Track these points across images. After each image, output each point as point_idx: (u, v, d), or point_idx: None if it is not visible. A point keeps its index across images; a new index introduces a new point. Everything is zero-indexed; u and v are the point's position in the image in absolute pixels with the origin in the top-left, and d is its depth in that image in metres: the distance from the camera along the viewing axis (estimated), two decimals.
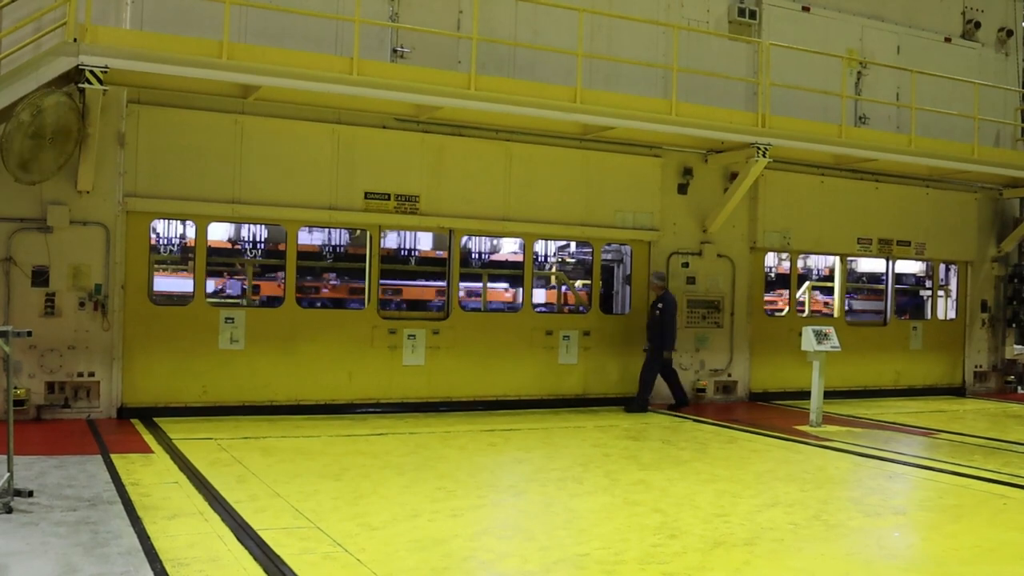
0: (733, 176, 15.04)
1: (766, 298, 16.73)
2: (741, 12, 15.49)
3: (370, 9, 12.41)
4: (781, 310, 17.06)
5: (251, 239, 14.42)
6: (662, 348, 14.10)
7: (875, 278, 18.38)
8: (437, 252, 15.28)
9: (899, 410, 15.46)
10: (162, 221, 13.18)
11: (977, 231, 18.20)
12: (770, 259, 17.05)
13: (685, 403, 14.53)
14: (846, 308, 17.22)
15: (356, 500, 7.87)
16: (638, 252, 14.95)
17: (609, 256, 15.24)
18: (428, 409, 13.28)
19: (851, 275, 17.96)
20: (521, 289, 14.71)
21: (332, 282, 15.53)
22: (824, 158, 15.83)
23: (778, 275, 17.90)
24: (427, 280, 15.77)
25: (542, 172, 14.06)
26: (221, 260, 14.46)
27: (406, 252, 15.45)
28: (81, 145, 10.84)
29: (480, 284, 15.41)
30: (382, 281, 13.60)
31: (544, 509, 7.85)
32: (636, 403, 14.09)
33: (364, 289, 13.30)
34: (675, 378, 14.53)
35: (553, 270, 16.10)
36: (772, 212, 15.90)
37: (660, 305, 14.19)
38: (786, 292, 17.42)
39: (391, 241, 15.05)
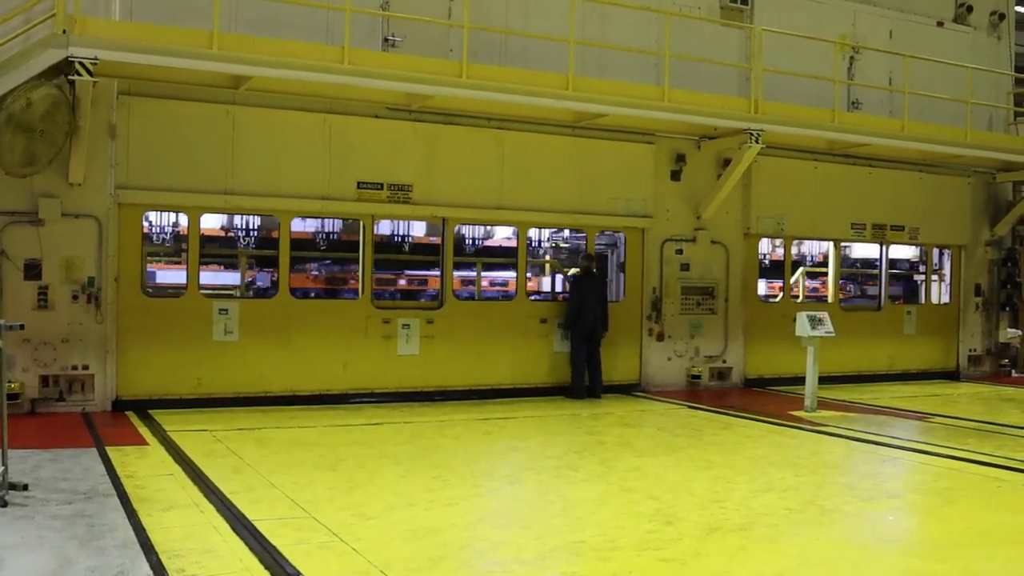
0: (726, 162, 15.03)
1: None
2: None
3: None
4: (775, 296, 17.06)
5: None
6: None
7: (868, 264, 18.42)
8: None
9: (894, 394, 15.51)
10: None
11: (971, 215, 18.21)
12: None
13: (590, 393, 14.18)
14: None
15: (351, 490, 7.87)
16: (632, 239, 14.95)
17: (603, 243, 15.23)
18: (423, 398, 13.28)
19: (846, 260, 18.01)
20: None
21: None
22: (817, 143, 15.81)
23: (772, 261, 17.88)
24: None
25: (535, 160, 14.03)
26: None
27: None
28: (72, 137, 10.78)
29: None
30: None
31: (539, 497, 7.86)
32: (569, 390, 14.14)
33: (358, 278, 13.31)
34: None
35: (547, 258, 16.08)
36: (766, 198, 15.89)
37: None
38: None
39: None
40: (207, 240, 13.40)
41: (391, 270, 15.62)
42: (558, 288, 15.91)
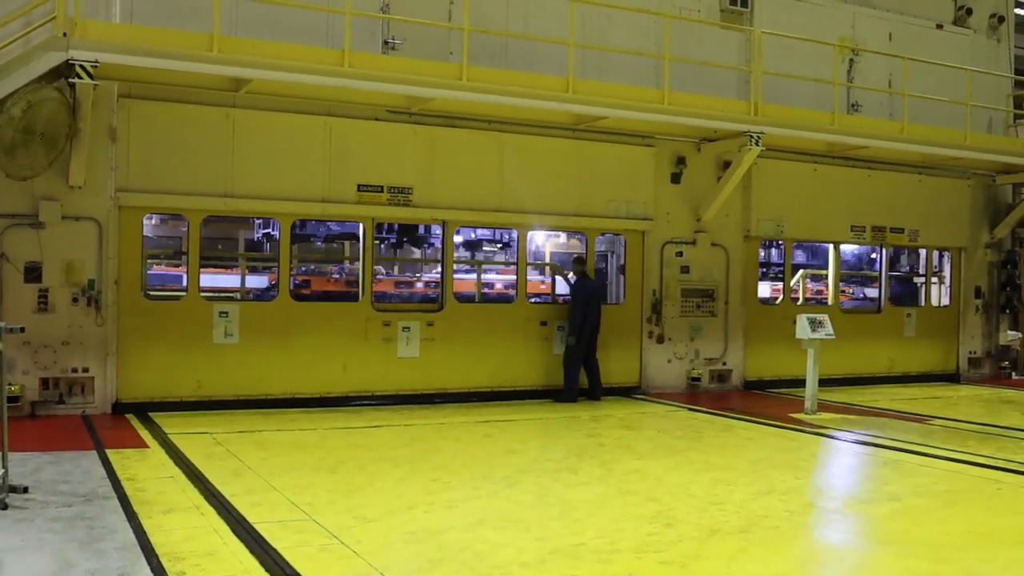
0: (726, 165, 15.03)
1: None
2: (732, 0, 15.47)
3: (361, 1, 12.37)
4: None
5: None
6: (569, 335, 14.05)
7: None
8: None
9: (894, 397, 15.51)
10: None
11: (970, 217, 18.22)
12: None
13: (590, 396, 14.24)
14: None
15: (351, 493, 7.88)
16: (632, 242, 14.95)
17: (602, 247, 15.24)
18: (423, 401, 13.28)
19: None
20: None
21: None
22: (817, 146, 15.82)
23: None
24: None
25: (535, 163, 14.04)
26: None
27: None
28: (72, 140, 10.79)
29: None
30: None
31: (539, 500, 7.86)
32: (563, 393, 14.04)
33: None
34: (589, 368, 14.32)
35: (548, 260, 16.08)
36: (765, 200, 15.90)
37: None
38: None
39: None
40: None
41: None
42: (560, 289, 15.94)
